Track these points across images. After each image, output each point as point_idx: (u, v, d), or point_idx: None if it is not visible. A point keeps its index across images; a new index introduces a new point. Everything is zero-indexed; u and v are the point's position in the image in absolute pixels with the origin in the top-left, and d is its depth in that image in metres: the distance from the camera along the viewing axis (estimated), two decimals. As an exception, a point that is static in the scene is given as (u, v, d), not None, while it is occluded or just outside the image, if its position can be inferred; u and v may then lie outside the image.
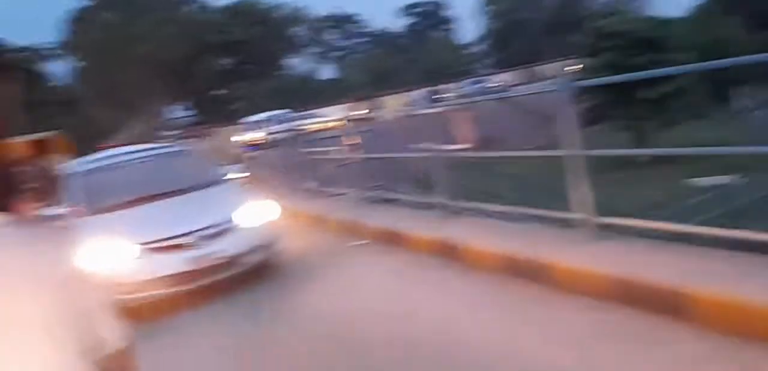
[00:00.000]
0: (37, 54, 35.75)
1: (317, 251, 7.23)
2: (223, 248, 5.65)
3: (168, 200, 6.23)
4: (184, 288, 5.43)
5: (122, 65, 44.45)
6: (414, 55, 60.03)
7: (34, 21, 49.80)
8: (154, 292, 5.35)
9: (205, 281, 5.51)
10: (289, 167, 11.45)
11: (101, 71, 44.86)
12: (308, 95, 47.52)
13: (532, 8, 58.30)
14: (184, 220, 5.76)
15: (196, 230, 5.61)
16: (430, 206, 7.28)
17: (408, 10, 68.93)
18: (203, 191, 6.53)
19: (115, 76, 44.44)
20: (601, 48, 13.35)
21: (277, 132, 21.71)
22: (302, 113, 29.78)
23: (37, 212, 4.20)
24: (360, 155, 8.81)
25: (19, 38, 55.51)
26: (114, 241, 5.46)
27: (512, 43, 57.49)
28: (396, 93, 39.94)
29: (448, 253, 5.74)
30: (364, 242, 7.02)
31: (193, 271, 5.46)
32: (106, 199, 6.18)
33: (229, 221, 5.86)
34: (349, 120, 11.19)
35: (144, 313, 5.12)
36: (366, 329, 4.46)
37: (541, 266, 4.61)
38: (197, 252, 5.53)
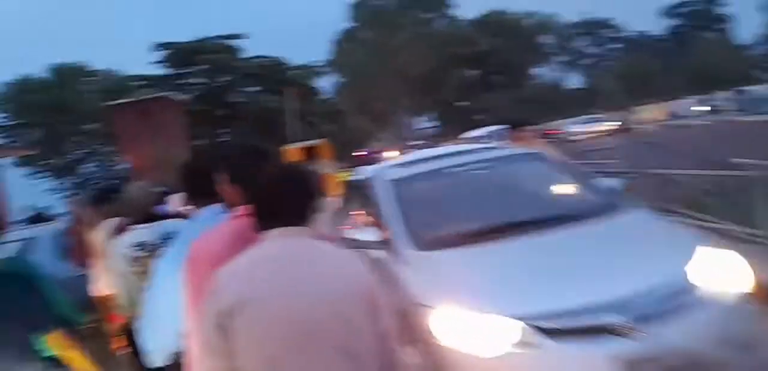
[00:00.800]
0: (310, 71, 40.60)
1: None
2: (689, 338, 2.82)
3: (548, 234, 3.56)
4: None
5: (377, 79, 48.32)
6: (677, 60, 53.61)
7: (310, 42, 57.15)
8: None
9: None
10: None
11: (358, 85, 49.38)
12: (554, 105, 45.65)
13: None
14: (596, 276, 3.11)
15: (631, 298, 2.88)
16: (725, 235, 5.88)
17: (671, 10, 61.98)
18: (601, 221, 3.75)
19: (370, 89, 48.48)
20: None
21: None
22: (581, 118, 27.96)
23: (342, 234, 3.88)
24: (638, 169, 7.60)
25: (297, 57, 64.34)
26: (473, 309, 2.98)
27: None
28: (658, 101, 35.88)
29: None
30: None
31: None
32: (440, 224, 3.85)
33: (683, 282, 3.07)
34: (619, 129, 9.93)
35: None
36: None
37: None
38: (640, 345, 2.76)
